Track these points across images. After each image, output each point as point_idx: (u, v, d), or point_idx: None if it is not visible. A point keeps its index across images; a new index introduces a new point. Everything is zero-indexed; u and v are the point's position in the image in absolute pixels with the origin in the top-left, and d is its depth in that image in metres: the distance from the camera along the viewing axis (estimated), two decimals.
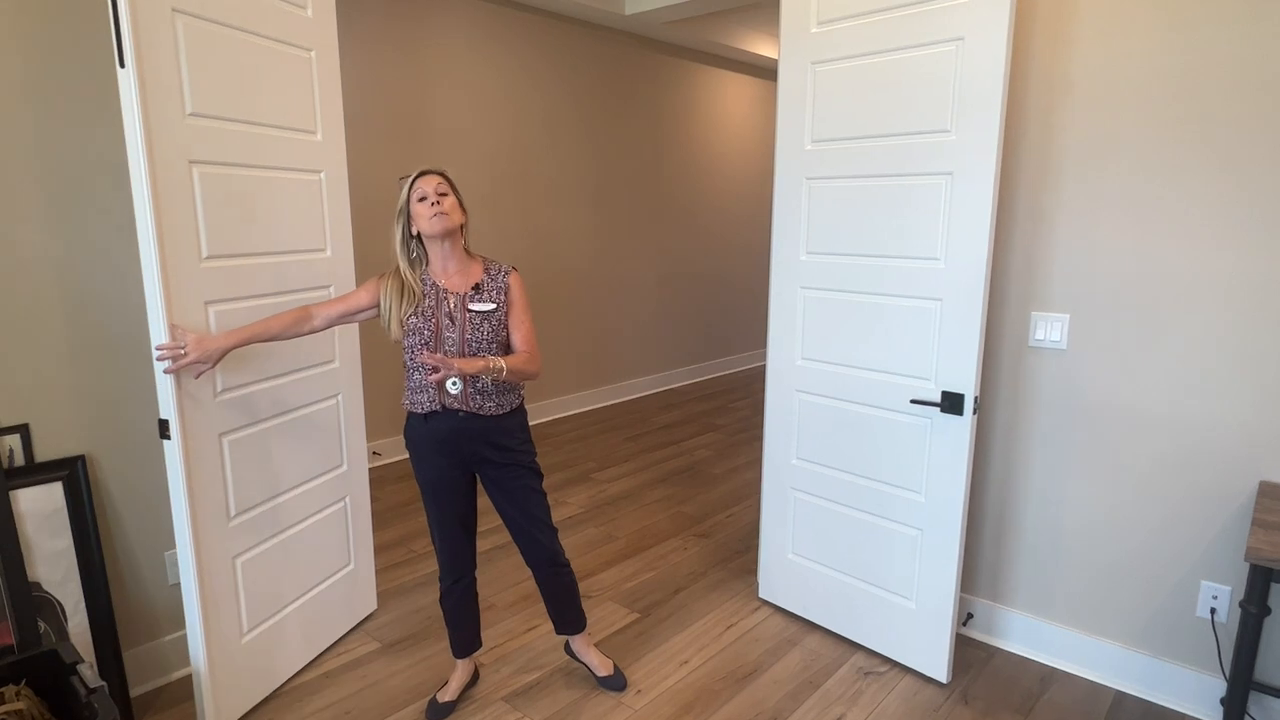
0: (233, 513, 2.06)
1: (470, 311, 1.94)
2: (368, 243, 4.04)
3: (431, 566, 3.04)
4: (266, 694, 2.22)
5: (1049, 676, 2.35)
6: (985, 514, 2.50)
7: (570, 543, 3.29)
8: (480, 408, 1.96)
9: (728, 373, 6.86)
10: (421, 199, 1.89)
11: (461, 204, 1.95)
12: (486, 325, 1.95)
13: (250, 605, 2.14)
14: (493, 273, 2.01)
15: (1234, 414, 2.03)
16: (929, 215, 2.17)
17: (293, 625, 2.31)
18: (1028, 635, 2.46)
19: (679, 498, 3.84)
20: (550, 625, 2.62)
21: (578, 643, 2.32)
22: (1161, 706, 2.21)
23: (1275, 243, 1.92)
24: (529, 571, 3.00)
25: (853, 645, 2.53)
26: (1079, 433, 2.28)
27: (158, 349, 1.82)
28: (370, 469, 4.18)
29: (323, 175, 2.28)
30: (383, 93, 4.05)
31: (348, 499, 2.50)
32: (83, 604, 2.05)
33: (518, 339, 2.00)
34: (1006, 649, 2.49)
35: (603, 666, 2.30)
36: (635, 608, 2.75)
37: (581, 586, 2.90)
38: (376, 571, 2.97)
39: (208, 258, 1.94)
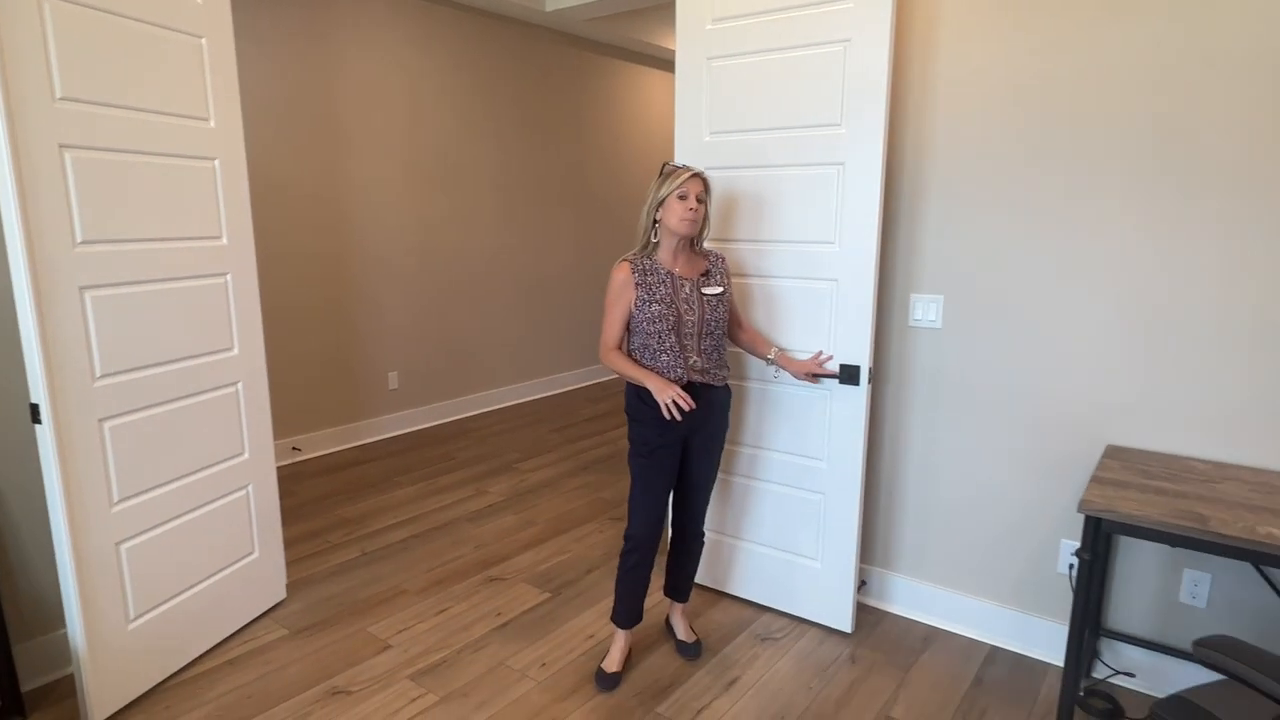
0: (115, 499, 2.05)
1: (704, 295, 2.12)
2: (271, 232, 4.00)
3: (343, 557, 3.04)
4: (158, 680, 2.21)
5: (931, 636, 2.52)
6: (878, 486, 2.65)
7: (486, 530, 3.33)
8: (714, 379, 2.17)
9: None
10: (683, 197, 2.03)
11: (708, 213, 2.12)
12: (721, 306, 2.15)
13: (137, 592, 2.12)
14: (713, 259, 2.20)
15: (1084, 387, 2.22)
16: (824, 202, 2.31)
17: (189, 612, 2.30)
18: (913, 598, 2.62)
19: (599, 485, 3.91)
20: (462, 608, 2.67)
21: (678, 611, 2.47)
22: (1030, 658, 2.39)
23: (1109, 233, 2.11)
24: (442, 560, 3.04)
25: (760, 609, 2.65)
26: (952, 406, 2.45)
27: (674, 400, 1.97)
28: (290, 464, 4.13)
29: (217, 162, 2.27)
30: (290, 83, 4.01)
31: (250, 487, 2.49)
32: None
33: (740, 315, 2.36)
34: (895, 612, 2.65)
35: (687, 635, 2.44)
36: (547, 588, 2.82)
37: (495, 570, 2.95)
38: (289, 562, 2.96)
39: (82, 243, 1.92)
